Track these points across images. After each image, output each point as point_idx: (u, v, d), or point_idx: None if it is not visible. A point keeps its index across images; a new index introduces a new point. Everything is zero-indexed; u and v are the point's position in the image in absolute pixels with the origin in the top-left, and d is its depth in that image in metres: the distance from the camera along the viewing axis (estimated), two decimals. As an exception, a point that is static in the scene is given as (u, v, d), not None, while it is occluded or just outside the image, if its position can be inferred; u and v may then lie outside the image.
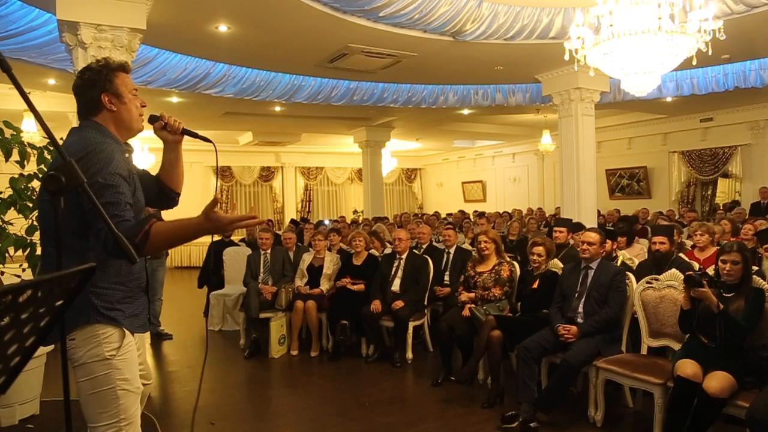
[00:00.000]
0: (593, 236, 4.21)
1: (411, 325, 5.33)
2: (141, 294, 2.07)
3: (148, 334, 6.44)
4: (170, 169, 2.27)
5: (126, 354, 1.95)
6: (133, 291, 2.02)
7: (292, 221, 11.99)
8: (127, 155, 2.09)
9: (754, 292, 3.30)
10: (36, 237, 3.67)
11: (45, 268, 2.04)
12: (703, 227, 5.26)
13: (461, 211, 13.25)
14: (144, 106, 2.14)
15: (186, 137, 2.24)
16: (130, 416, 1.95)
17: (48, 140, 1.57)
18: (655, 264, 4.46)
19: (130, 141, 2.35)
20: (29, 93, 1.51)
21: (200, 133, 2.21)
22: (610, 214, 10.82)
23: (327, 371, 5.27)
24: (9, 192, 3.59)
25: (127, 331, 1.97)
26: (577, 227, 6.06)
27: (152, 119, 2.17)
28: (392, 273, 5.60)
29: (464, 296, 4.82)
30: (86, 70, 2.05)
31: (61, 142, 1.67)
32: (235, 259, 7.22)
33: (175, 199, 2.32)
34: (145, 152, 11.53)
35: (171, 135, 2.19)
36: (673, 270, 3.98)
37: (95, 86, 2.00)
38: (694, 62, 4.66)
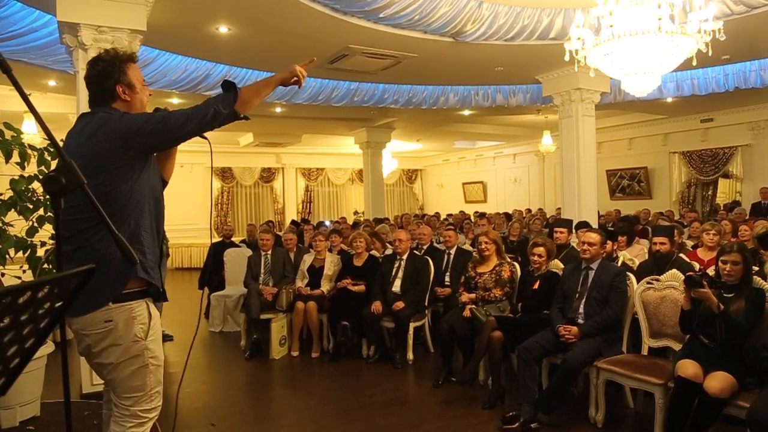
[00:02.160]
0: (594, 237, 4.21)
1: (412, 326, 5.33)
2: (158, 265, 2.23)
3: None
4: (165, 159, 2.38)
5: (154, 335, 2.13)
6: (157, 259, 2.20)
7: (293, 222, 12.00)
8: None
9: (754, 293, 3.30)
10: (36, 239, 3.68)
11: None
12: (716, 227, 5.24)
13: (462, 212, 13.25)
14: (150, 95, 2.27)
15: None
16: (158, 383, 2.15)
17: (48, 142, 1.58)
18: (656, 264, 4.46)
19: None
20: (29, 94, 1.51)
21: (211, 148, 2.32)
22: (609, 215, 10.82)
23: (328, 372, 5.27)
24: (9, 193, 3.59)
25: (152, 309, 2.14)
26: (582, 225, 6.07)
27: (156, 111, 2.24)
28: (393, 274, 5.60)
29: (465, 297, 4.82)
30: (98, 61, 2.15)
31: (61, 144, 1.67)
32: (236, 260, 7.23)
33: (163, 186, 2.44)
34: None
35: None
36: (674, 270, 3.98)
37: (110, 77, 2.11)
38: (695, 63, 4.66)
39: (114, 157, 1.96)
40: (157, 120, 2.00)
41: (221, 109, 2.01)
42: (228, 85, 2.05)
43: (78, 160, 2.00)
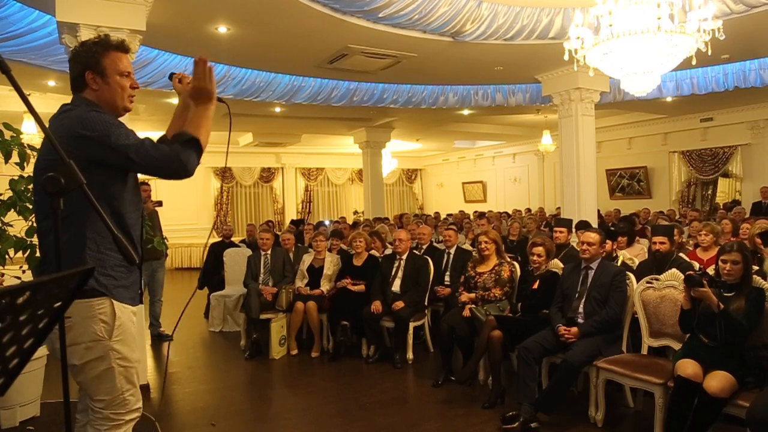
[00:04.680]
0: (593, 236, 4.21)
1: (411, 325, 5.33)
2: (135, 268, 2.07)
3: (148, 334, 6.40)
4: (179, 122, 2.30)
5: (121, 335, 2.00)
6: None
7: (293, 222, 12.03)
8: None
9: (754, 292, 3.30)
10: (36, 239, 3.67)
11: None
12: (708, 227, 5.26)
13: (461, 212, 13.24)
14: (135, 88, 2.15)
15: None
16: (131, 385, 2.04)
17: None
18: (656, 264, 4.46)
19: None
20: (29, 95, 1.51)
21: (230, 113, 2.35)
22: (609, 215, 10.81)
23: (328, 372, 5.27)
24: (9, 194, 3.59)
25: (119, 308, 1.99)
26: (583, 225, 6.06)
27: (170, 75, 2.35)
28: (392, 273, 5.60)
29: (465, 297, 4.82)
30: (81, 45, 2.10)
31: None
32: (236, 260, 7.23)
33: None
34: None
35: (186, 88, 2.27)
36: (674, 270, 3.98)
37: (80, 61, 2.04)
38: (694, 62, 4.65)
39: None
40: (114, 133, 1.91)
41: (189, 162, 1.99)
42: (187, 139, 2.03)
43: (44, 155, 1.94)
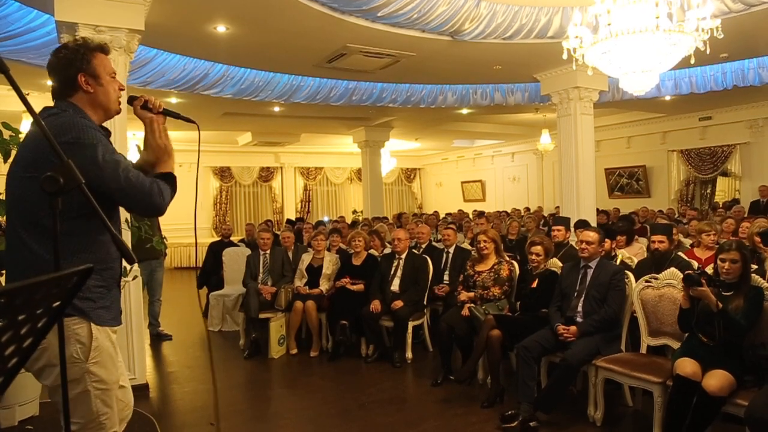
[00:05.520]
0: (591, 235, 4.21)
1: (410, 324, 5.34)
2: (114, 286, 2.01)
3: (147, 336, 6.40)
4: (153, 153, 2.12)
5: (98, 357, 1.91)
6: (107, 282, 1.97)
7: (288, 221, 12.04)
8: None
9: (753, 291, 3.31)
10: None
11: (27, 262, 1.88)
12: (713, 227, 5.26)
13: (461, 211, 13.23)
14: (122, 90, 2.09)
15: (169, 119, 2.17)
16: (108, 408, 1.95)
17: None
18: (654, 263, 4.46)
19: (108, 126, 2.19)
20: (27, 94, 1.51)
21: (199, 133, 2.19)
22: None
23: (327, 371, 5.27)
24: (8, 193, 3.59)
25: (96, 331, 1.91)
26: (582, 224, 6.06)
27: (130, 99, 2.11)
28: (391, 273, 5.60)
29: (464, 296, 4.82)
30: (62, 49, 1.99)
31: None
32: (235, 259, 7.23)
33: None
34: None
35: (151, 114, 2.10)
36: (672, 269, 3.98)
37: (72, 65, 1.95)
38: (693, 61, 4.65)
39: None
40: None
41: (164, 200, 1.95)
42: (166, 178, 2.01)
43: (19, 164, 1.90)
